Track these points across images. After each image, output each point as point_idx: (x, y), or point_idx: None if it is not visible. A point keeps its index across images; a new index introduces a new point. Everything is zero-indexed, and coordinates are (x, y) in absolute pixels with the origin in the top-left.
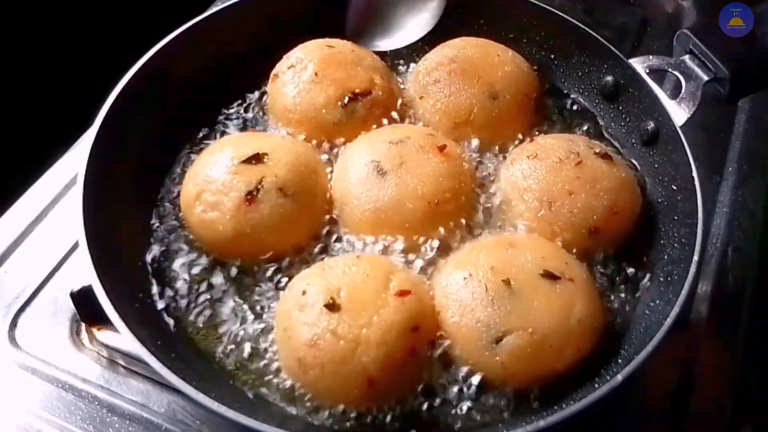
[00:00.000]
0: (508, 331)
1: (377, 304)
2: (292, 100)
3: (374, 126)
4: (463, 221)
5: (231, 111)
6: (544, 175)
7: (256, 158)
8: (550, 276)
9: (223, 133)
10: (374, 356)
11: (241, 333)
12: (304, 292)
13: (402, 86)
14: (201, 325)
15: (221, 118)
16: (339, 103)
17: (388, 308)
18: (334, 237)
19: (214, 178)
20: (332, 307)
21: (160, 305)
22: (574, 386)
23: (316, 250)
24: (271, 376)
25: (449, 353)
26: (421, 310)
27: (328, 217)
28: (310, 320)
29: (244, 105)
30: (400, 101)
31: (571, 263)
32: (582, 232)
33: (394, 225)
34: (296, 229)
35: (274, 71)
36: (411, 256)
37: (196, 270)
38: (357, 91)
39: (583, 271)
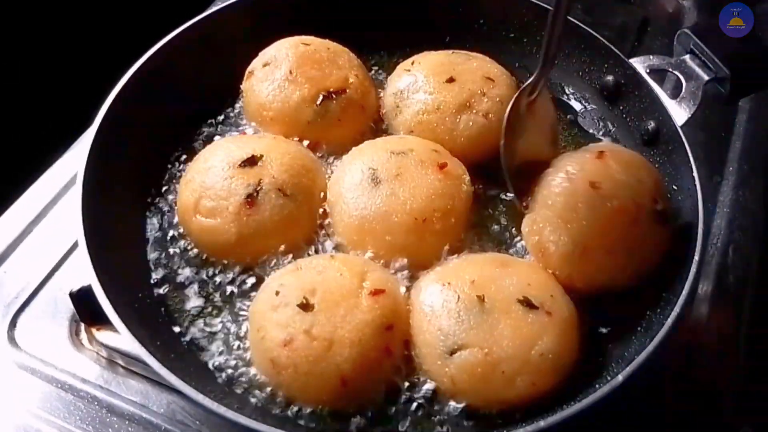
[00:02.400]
0: (464, 345)
1: (351, 304)
2: (266, 98)
3: (353, 126)
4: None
5: (230, 111)
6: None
7: (251, 161)
8: (527, 303)
9: (223, 134)
10: (347, 356)
11: (239, 333)
12: (277, 293)
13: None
14: (200, 326)
15: (221, 118)
16: (313, 102)
17: (361, 308)
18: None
19: (212, 184)
20: (306, 306)
21: (159, 305)
22: (575, 387)
23: (314, 249)
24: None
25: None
26: (394, 309)
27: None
28: (283, 320)
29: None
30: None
31: (558, 298)
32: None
33: (377, 234)
34: (298, 227)
35: (249, 69)
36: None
37: (195, 270)
38: (331, 89)
39: (568, 308)
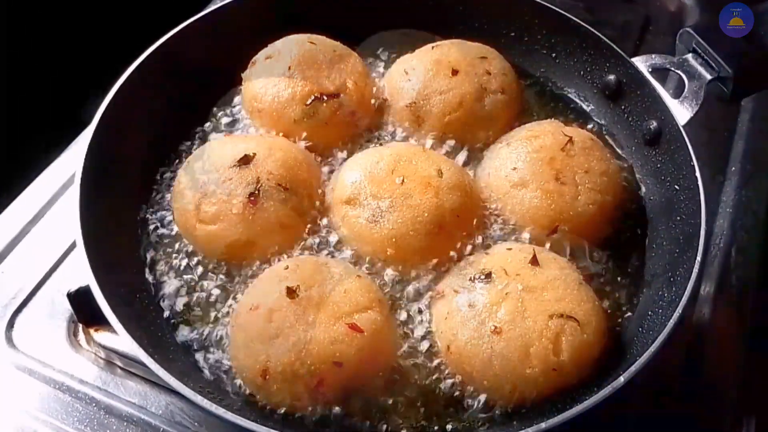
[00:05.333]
0: None
1: (323, 319)
2: (259, 89)
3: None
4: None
5: (230, 110)
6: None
7: (245, 160)
8: None
9: (224, 132)
10: (279, 356)
11: None
12: (286, 267)
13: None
14: (200, 326)
15: (219, 118)
16: (304, 102)
17: (328, 329)
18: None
19: (210, 189)
20: (291, 293)
21: (158, 306)
22: (578, 388)
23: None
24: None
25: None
26: (363, 354)
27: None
28: (268, 290)
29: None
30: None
31: None
32: None
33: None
34: (302, 220)
35: (253, 59)
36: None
37: (194, 271)
38: (325, 92)
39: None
